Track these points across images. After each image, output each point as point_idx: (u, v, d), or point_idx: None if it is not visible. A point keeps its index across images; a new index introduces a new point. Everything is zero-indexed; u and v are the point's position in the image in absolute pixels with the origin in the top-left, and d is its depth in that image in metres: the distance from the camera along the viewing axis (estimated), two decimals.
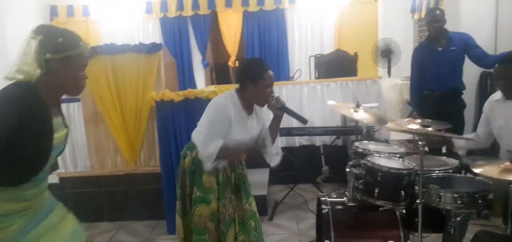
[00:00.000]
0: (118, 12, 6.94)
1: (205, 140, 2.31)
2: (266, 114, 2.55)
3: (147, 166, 4.05)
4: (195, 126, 2.52)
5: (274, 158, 2.50)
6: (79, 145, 4.30)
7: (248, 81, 2.32)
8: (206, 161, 2.30)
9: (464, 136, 2.77)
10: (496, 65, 2.72)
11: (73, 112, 4.27)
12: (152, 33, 7.03)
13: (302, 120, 2.55)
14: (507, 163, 2.08)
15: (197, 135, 2.43)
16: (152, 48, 3.80)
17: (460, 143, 2.91)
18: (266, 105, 2.44)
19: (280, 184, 4.71)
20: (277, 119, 2.48)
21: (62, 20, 7.04)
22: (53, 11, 7.08)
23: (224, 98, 2.40)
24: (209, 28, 7.04)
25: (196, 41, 7.03)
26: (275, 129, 2.52)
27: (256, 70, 2.33)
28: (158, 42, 4.24)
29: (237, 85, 2.44)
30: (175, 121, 3.55)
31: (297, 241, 3.47)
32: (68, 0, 7.05)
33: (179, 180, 2.53)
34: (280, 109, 2.43)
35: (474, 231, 2.28)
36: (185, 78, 6.93)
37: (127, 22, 7.01)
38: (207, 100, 3.36)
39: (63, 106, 4.45)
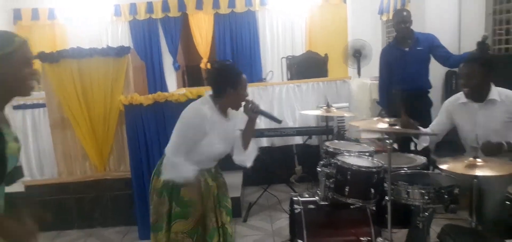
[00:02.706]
0: (85, 15, 6.78)
1: (173, 152, 2.23)
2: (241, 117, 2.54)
3: (117, 171, 3.97)
4: (165, 130, 2.47)
5: (249, 159, 2.49)
6: (46, 152, 4.17)
7: (228, 87, 2.27)
8: (171, 174, 2.22)
9: (427, 131, 2.84)
10: (461, 65, 2.79)
11: (38, 118, 4.15)
12: (121, 36, 6.91)
13: (277, 120, 2.56)
14: (471, 159, 2.15)
15: (169, 149, 2.32)
16: (120, 52, 3.73)
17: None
18: (241, 109, 2.40)
19: (253, 186, 4.70)
20: (252, 123, 2.46)
21: (26, 23, 6.82)
22: (17, 15, 6.84)
23: (199, 104, 2.33)
24: (180, 31, 6.98)
25: (167, 43, 6.95)
26: (250, 132, 2.50)
27: (234, 76, 2.31)
28: (127, 45, 4.16)
29: (209, 87, 2.40)
30: (145, 125, 3.49)
31: (271, 241, 3.47)
32: (33, 3, 6.82)
33: (150, 198, 2.42)
34: (256, 112, 2.42)
35: (443, 225, 2.34)
36: (156, 81, 6.85)
37: (95, 26, 6.86)
38: (177, 103, 3.34)
39: (28, 112, 4.41)
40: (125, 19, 6.86)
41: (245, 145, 2.49)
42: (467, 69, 2.64)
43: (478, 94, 2.65)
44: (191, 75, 8.13)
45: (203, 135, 2.24)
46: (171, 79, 7.11)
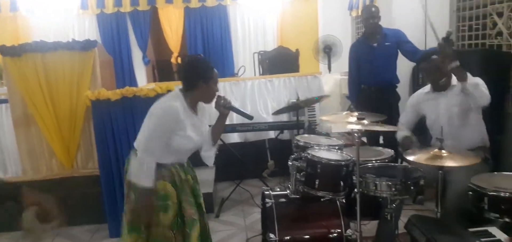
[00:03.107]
0: (50, 7, 6.52)
1: (143, 149, 2.19)
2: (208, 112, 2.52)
3: (85, 169, 3.87)
4: (134, 126, 2.43)
5: (212, 157, 2.48)
6: (9, 149, 4.01)
7: (200, 81, 2.25)
8: (139, 174, 2.17)
9: (398, 128, 2.94)
10: (423, 62, 2.90)
11: (0, 114, 3.97)
12: (88, 30, 6.69)
13: (248, 116, 2.57)
14: (436, 150, 2.22)
15: (139, 143, 2.31)
16: (86, 46, 3.63)
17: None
18: (212, 104, 2.39)
19: (226, 181, 4.69)
20: (223, 118, 2.46)
21: None
22: None
23: (170, 99, 2.28)
24: (150, 25, 6.84)
25: (136, 38, 6.79)
26: (221, 127, 2.49)
27: (206, 69, 2.29)
28: (95, 39, 4.05)
29: (179, 82, 2.37)
30: (113, 121, 3.41)
31: (244, 236, 3.47)
32: None
33: (126, 194, 2.36)
34: (227, 108, 2.41)
35: (409, 216, 2.41)
36: (125, 77, 6.69)
37: (60, 19, 6.61)
38: (146, 98, 3.28)
39: None
40: (93, 13, 6.65)
41: (215, 141, 2.48)
42: (430, 66, 2.75)
43: (442, 85, 2.77)
44: (161, 70, 8.00)
45: (174, 131, 2.21)
46: (141, 74, 6.97)
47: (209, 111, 2.49)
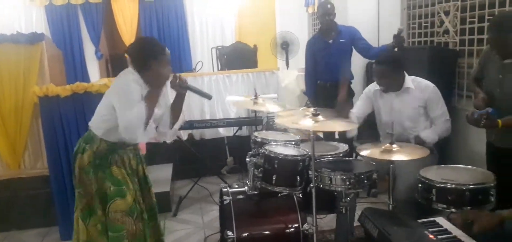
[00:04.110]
0: None
1: (124, 110, 2.09)
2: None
3: (34, 169, 3.68)
4: (85, 123, 2.34)
5: (170, 136, 2.46)
6: None
7: (151, 59, 2.21)
8: (135, 131, 2.09)
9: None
10: (373, 66, 2.99)
11: None
12: (36, 23, 6.34)
13: (207, 96, 2.56)
14: (387, 145, 2.29)
15: (98, 123, 2.25)
16: (33, 39, 3.44)
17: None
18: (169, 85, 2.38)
19: (184, 179, 4.63)
20: (180, 98, 2.45)
21: None
22: None
23: (128, 74, 2.24)
24: (103, 18, 6.58)
25: (88, 31, 6.52)
26: (179, 107, 2.47)
27: (156, 47, 2.27)
28: (43, 32, 3.86)
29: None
30: (63, 118, 3.26)
31: (202, 234, 3.44)
32: None
33: (78, 179, 2.30)
34: (184, 87, 2.39)
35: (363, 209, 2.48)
36: (77, 72, 6.40)
37: (5, 10, 6.22)
38: (98, 94, 3.16)
39: None
40: (41, 4, 6.30)
41: (174, 121, 2.46)
42: (378, 71, 2.84)
43: (393, 88, 2.86)
44: (115, 65, 7.72)
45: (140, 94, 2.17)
46: (94, 69, 6.70)
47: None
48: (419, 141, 2.71)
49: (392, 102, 2.91)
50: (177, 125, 2.51)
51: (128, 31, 6.75)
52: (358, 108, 3.16)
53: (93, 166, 2.25)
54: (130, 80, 2.18)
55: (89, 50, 6.64)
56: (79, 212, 2.32)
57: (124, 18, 6.69)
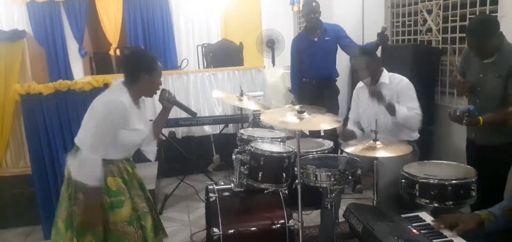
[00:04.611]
0: None
1: (91, 147, 2.06)
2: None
3: (16, 168, 3.63)
4: (69, 121, 2.31)
5: (153, 152, 2.43)
6: None
7: (143, 73, 2.18)
8: (84, 172, 2.05)
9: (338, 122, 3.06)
10: (351, 60, 3.04)
11: None
12: (17, 20, 6.21)
13: (192, 113, 2.57)
14: (371, 141, 2.32)
15: (82, 140, 2.17)
16: (14, 36, 3.39)
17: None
18: (154, 98, 2.36)
19: (169, 177, 4.61)
20: (165, 112, 2.43)
21: None
22: None
23: (114, 93, 2.18)
24: (86, 15, 6.50)
25: (72, 29, 6.43)
26: (163, 121, 2.47)
27: (149, 61, 2.23)
28: (25, 29, 3.79)
29: (118, 74, 2.28)
30: (46, 116, 3.20)
31: (188, 232, 3.43)
32: None
33: (73, 197, 2.20)
34: (171, 102, 2.38)
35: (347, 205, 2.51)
36: (60, 70, 6.32)
37: None
38: (81, 92, 3.13)
39: None
40: (22, 1, 6.19)
41: (156, 135, 2.44)
42: (357, 63, 2.88)
43: (371, 80, 2.89)
44: (99, 63, 7.65)
45: (121, 126, 2.13)
46: (77, 67, 6.61)
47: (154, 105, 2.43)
48: (390, 107, 2.73)
49: (369, 98, 2.95)
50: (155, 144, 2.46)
51: (112, 28, 6.69)
52: (353, 113, 3.20)
53: None
54: (116, 110, 2.10)
55: (72, 48, 6.55)
56: (75, 231, 2.21)
57: (108, 16, 6.62)
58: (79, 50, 6.57)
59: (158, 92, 2.34)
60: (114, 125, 2.10)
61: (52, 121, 3.21)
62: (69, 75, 6.35)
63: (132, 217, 2.23)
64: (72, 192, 2.19)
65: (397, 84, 2.89)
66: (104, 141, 2.09)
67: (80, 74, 6.49)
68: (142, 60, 2.23)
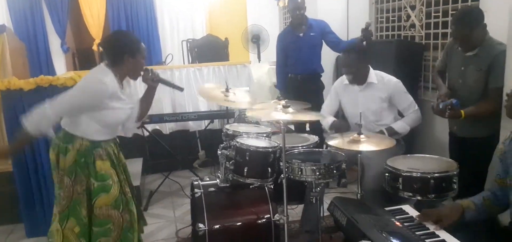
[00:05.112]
0: None
1: (56, 105, 2.14)
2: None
3: None
4: None
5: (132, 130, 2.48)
6: None
7: (126, 55, 2.20)
8: (33, 119, 2.13)
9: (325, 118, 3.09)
10: (339, 55, 3.05)
11: None
12: None
13: (179, 88, 2.59)
14: (355, 135, 2.34)
15: (73, 125, 2.22)
16: None
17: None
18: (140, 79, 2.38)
19: (154, 173, 4.58)
20: (151, 91, 2.45)
21: None
22: None
23: (97, 73, 2.21)
24: (68, 10, 6.39)
25: (53, 23, 6.32)
26: (149, 101, 2.48)
27: (132, 42, 2.26)
28: (5, 24, 3.70)
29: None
30: (27, 112, 3.09)
31: (174, 228, 3.41)
32: None
33: (58, 180, 2.25)
34: (156, 81, 2.40)
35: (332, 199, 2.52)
36: (42, 65, 6.21)
37: None
38: (63, 88, 3.06)
39: None
40: None
41: (142, 115, 2.47)
42: (346, 59, 2.89)
43: (359, 79, 2.92)
44: (82, 58, 7.54)
45: (101, 107, 2.16)
46: (60, 62, 6.51)
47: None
48: (392, 132, 2.78)
49: (357, 97, 2.97)
50: (145, 119, 2.53)
51: (95, 23, 6.59)
52: (328, 105, 3.22)
53: (78, 164, 2.21)
54: (98, 86, 2.16)
55: (54, 43, 6.45)
56: (58, 214, 2.28)
57: (91, 10, 6.52)
58: (61, 45, 6.47)
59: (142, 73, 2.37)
60: (89, 104, 2.15)
61: None
62: (51, 71, 6.25)
63: (118, 201, 2.26)
64: (60, 177, 2.23)
65: (387, 84, 2.91)
66: (71, 108, 2.16)
67: (62, 70, 6.40)
68: (125, 42, 2.25)
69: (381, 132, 2.82)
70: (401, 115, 3.03)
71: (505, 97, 1.94)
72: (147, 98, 2.46)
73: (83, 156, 2.21)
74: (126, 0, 6.50)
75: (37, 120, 2.11)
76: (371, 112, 2.92)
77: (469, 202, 1.88)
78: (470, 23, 2.39)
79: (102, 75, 2.18)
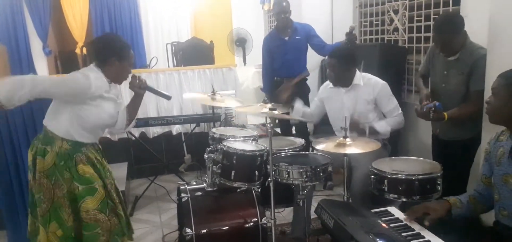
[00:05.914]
0: None
1: (37, 79, 2.16)
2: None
3: None
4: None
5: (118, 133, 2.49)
6: None
7: (113, 58, 2.21)
8: (12, 90, 2.02)
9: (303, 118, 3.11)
10: (326, 58, 3.07)
11: None
12: None
13: (166, 96, 2.61)
14: (341, 138, 2.37)
15: (56, 122, 2.20)
16: None
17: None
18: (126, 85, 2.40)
19: (140, 178, 4.54)
20: (138, 98, 2.46)
21: None
22: None
23: (86, 70, 2.24)
24: (50, 12, 6.28)
25: (35, 26, 6.20)
26: (136, 108, 2.49)
27: (121, 47, 2.26)
28: None
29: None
30: (9, 117, 3.06)
31: (160, 233, 3.39)
32: None
33: (37, 184, 2.21)
34: (143, 88, 2.40)
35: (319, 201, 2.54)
36: (23, 68, 6.07)
37: None
38: None
39: None
40: None
41: (130, 121, 2.47)
42: (332, 62, 2.91)
43: (344, 81, 2.94)
44: (65, 61, 7.41)
45: (80, 96, 2.15)
46: (42, 65, 6.38)
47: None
48: (373, 131, 2.80)
49: (343, 98, 2.99)
50: (132, 125, 2.53)
51: (78, 26, 6.49)
52: (313, 108, 3.24)
53: (57, 168, 2.19)
54: (83, 78, 2.17)
55: (36, 46, 6.32)
56: (39, 217, 2.25)
57: (73, 13, 6.42)
58: (43, 48, 6.35)
59: (129, 79, 2.38)
60: (69, 86, 2.16)
61: (16, 122, 3.07)
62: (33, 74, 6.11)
63: (104, 204, 2.25)
64: (37, 179, 2.20)
65: (373, 87, 2.91)
66: (50, 87, 2.15)
67: (44, 73, 6.29)
68: (113, 45, 2.25)
69: (363, 130, 2.83)
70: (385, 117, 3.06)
71: (485, 105, 1.99)
72: (134, 105, 2.47)
73: (62, 159, 2.19)
74: (109, 2, 6.41)
75: (13, 87, 2.01)
76: (357, 114, 2.95)
77: (456, 199, 1.93)
78: (451, 29, 2.44)
79: (88, 71, 2.21)
